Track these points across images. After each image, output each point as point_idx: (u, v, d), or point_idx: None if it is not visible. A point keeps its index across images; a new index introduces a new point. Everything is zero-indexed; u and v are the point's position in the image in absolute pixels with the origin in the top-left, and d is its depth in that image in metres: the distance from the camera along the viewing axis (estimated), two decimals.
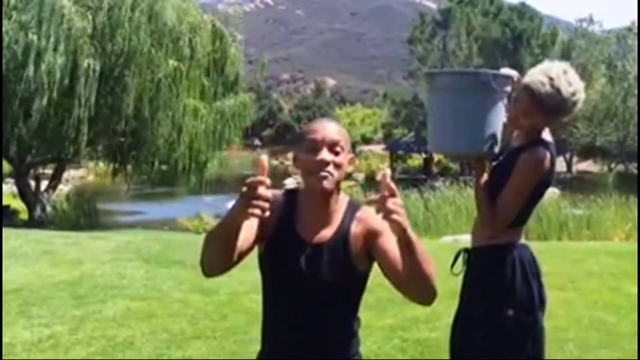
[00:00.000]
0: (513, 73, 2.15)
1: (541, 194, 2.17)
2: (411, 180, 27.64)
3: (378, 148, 41.65)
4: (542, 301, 2.14)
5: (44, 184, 16.36)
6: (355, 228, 1.59)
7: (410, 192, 15.17)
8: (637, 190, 12.98)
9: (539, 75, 2.05)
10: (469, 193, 13.97)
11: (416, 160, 34.33)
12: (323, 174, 1.52)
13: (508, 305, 2.05)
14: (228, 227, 1.42)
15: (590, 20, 35.73)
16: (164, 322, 4.39)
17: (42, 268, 6.20)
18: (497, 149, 2.12)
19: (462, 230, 12.13)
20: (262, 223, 1.53)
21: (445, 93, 2.12)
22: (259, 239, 1.58)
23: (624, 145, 32.81)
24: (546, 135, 2.16)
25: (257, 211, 1.31)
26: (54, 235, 9.03)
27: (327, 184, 1.53)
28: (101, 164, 19.71)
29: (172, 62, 13.40)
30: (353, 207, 1.63)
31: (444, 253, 7.99)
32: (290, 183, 34.05)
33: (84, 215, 16.13)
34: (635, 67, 31.74)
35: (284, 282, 1.59)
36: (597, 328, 4.31)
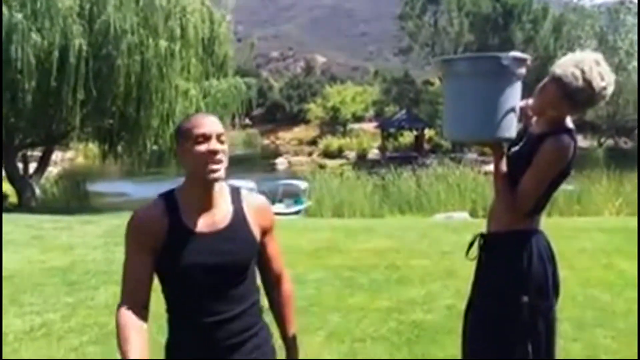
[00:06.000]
0: (526, 56, 2.08)
1: (560, 182, 2.12)
2: (403, 158, 27.65)
3: (369, 126, 41.41)
4: (556, 287, 2.13)
5: (32, 167, 16.17)
6: (249, 211, 1.75)
7: (402, 170, 15.17)
8: (638, 167, 12.96)
9: (571, 67, 1.98)
10: (461, 170, 13.98)
11: (407, 137, 34.27)
12: (214, 166, 1.63)
13: (524, 292, 2.04)
14: None
15: None
16: (155, 307, 4.31)
17: (33, 254, 6.13)
18: (514, 135, 2.08)
19: (454, 207, 12.16)
20: (151, 247, 1.64)
21: (463, 79, 2.06)
22: (155, 261, 1.66)
23: (613, 120, 32.95)
24: (568, 122, 2.11)
25: None
26: (44, 219, 8.95)
27: (220, 174, 1.65)
28: (91, 145, 19.51)
29: (162, 42, 13.13)
30: (235, 190, 1.78)
31: (436, 231, 7.99)
32: (281, 163, 33.92)
33: (74, 197, 16.00)
34: (627, 42, 31.71)
35: (192, 277, 1.66)
36: (592, 306, 4.32)
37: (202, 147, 1.63)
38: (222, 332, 1.69)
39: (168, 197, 1.71)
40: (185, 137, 1.66)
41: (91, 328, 3.96)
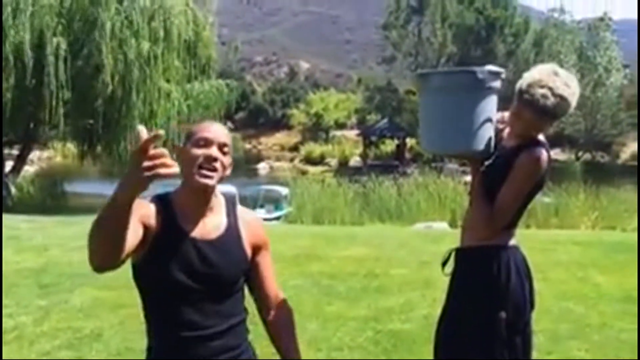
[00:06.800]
0: (500, 70, 2.12)
1: (534, 194, 2.14)
2: (384, 166, 27.78)
3: (351, 133, 41.55)
4: (532, 302, 2.15)
5: (8, 165, 15.89)
6: (243, 227, 1.70)
7: (383, 178, 15.21)
8: (638, 182, 13.18)
9: (537, 89, 2.02)
10: (442, 180, 14.06)
11: (389, 146, 34.46)
12: (206, 171, 1.57)
13: (501, 307, 2.05)
14: (121, 208, 1.30)
15: (561, 10, 36.23)
16: (133, 312, 4.27)
17: (6, 255, 6.00)
18: (491, 147, 2.10)
19: (434, 217, 12.22)
20: (143, 222, 1.54)
21: (439, 93, 2.08)
22: (139, 246, 1.52)
23: (591, 134, 33.56)
24: (540, 135, 2.14)
25: (163, 170, 1.21)
26: (19, 219, 8.79)
27: (209, 181, 1.58)
28: (69, 145, 19.25)
29: (145, 43, 13.06)
30: (231, 202, 1.72)
31: (416, 240, 8.02)
32: (262, 168, 33.83)
33: (51, 197, 15.74)
34: (605, 58, 32.37)
35: (179, 282, 1.58)
36: (566, 319, 4.37)
37: (200, 151, 1.58)
38: (203, 349, 1.60)
39: (163, 198, 1.64)
40: (188, 139, 1.63)
41: (64, 332, 3.89)
